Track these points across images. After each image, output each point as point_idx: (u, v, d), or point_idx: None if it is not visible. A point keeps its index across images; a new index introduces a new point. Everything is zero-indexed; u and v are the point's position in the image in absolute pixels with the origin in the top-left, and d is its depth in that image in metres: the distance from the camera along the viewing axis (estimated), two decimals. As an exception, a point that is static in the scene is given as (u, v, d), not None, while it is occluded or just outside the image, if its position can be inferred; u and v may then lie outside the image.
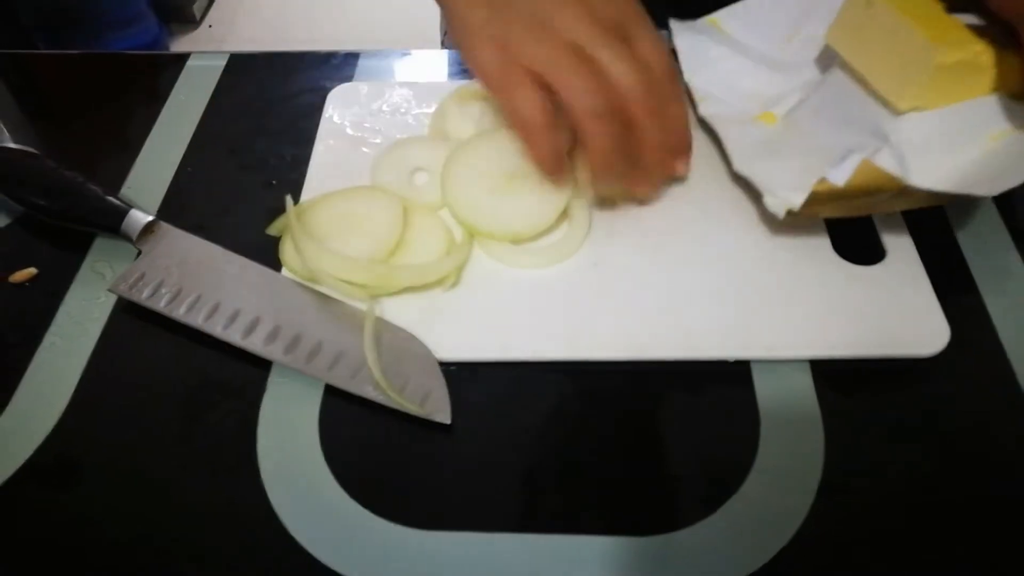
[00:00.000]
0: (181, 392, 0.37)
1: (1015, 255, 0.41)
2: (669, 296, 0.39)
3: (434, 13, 0.68)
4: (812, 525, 0.32)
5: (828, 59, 0.43)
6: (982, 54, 0.37)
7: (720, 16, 0.48)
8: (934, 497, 0.33)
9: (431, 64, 0.55)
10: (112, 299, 0.41)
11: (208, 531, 0.33)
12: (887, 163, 0.37)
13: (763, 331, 0.37)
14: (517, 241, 0.41)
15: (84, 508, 0.34)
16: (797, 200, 0.37)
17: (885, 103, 0.39)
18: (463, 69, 0.53)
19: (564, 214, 0.42)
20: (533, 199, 0.42)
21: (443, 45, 0.67)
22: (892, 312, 0.38)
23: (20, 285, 0.41)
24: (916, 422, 0.35)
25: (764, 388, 0.36)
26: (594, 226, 0.42)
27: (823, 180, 0.36)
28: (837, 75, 0.42)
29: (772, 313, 0.38)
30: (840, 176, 0.36)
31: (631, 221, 0.43)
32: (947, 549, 0.32)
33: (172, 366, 0.38)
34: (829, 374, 0.37)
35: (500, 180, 0.42)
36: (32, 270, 0.42)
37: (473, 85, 0.48)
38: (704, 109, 0.45)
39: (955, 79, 0.37)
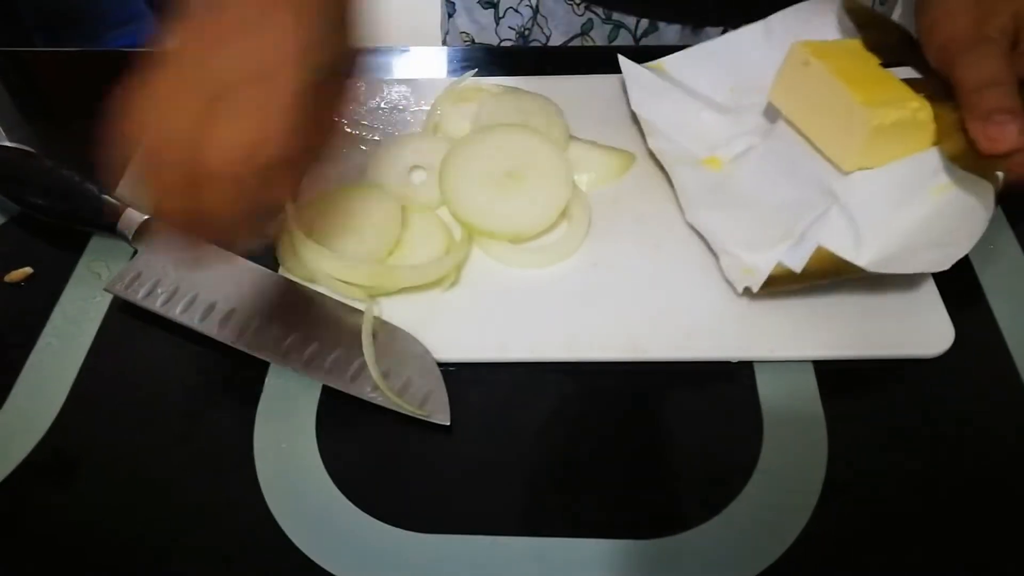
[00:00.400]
0: (178, 392, 0.37)
1: (1021, 256, 0.41)
2: (669, 296, 0.39)
3: (434, 9, 0.68)
4: (816, 526, 0.32)
5: (774, 109, 0.43)
6: (919, 111, 0.37)
7: (665, 62, 0.47)
8: (938, 498, 0.33)
9: (430, 61, 0.54)
10: (108, 298, 0.40)
11: (205, 531, 0.33)
12: (841, 243, 0.36)
13: (765, 331, 0.37)
14: (516, 240, 0.41)
15: (80, 507, 0.33)
16: (755, 285, 0.37)
17: (830, 163, 0.39)
18: (462, 66, 0.52)
19: (563, 214, 0.42)
20: (532, 198, 0.41)
21: (444, 42, 0.67)
22: (896, 312, 0.37)
23: (16, 284, 0.41)
24: (920, 423, 0.35)
25: (767, 388, 0.36)
26: (593, 226, 0.42)
27: (779, 264, 0.37)
28: (783, 128, 0.42)
29: (774, 313, 0.38)
30: (797, 262, 0.36)
31: (631, 221, 0.42)
32: (953, 549, 0.31)
33: (168, 366, 0.38)
34: (833, 374, 0.36)
35: (499, 178, 0.42)
36: (28, 269, 0.42)
37: (466, 82, 0.48)
38: (653, 143, 0.44)
39: (895, 138, 0.37)
